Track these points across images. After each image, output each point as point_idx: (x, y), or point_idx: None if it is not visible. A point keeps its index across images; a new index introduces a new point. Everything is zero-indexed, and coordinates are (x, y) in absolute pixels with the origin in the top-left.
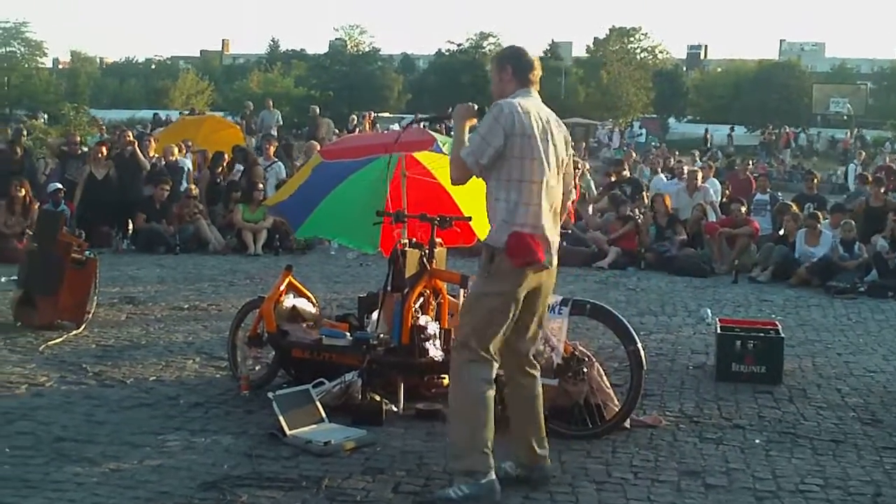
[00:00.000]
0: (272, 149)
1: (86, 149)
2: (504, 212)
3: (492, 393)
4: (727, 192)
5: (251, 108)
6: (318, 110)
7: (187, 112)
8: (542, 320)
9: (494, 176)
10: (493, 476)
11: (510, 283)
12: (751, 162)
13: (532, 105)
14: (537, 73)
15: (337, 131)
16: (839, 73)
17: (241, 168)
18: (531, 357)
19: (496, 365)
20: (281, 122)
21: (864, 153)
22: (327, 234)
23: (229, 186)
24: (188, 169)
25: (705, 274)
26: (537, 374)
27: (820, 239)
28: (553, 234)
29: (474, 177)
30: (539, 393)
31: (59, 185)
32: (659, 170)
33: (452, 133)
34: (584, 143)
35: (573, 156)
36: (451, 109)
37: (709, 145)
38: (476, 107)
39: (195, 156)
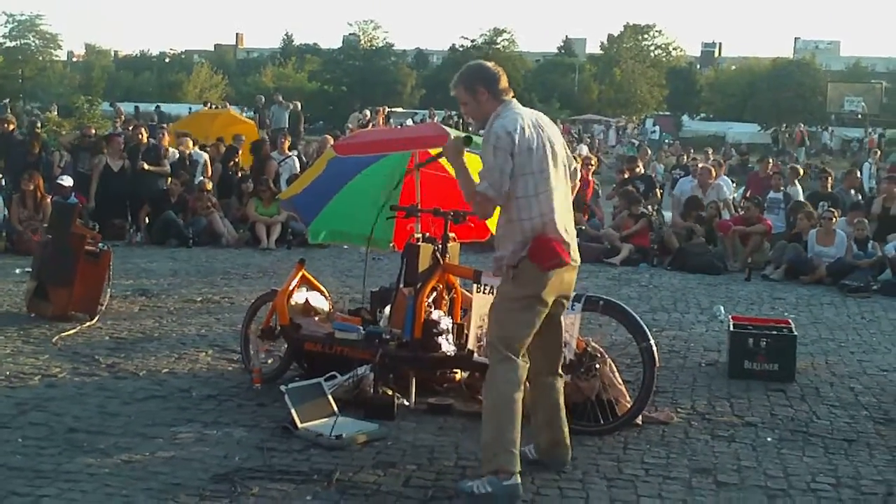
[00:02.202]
0: (286, 143)
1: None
2: (525, 230)
3: (520, 394)
4: (747, 192)
5: (262, 101)
6: (299, 106)
7: (205, 105)
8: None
9: (518, 189)
10: (517, 480)
11: (536, 286)
12: (771, 160)
13: (520, 115)
14: (505, 79)
15: (351, 126)
16: (854, 71)
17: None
18: (560, 361)
19: (525, 366)
20: (290, 108)
21: (878, 151)
22: (339, 238)
23: (240, 179)
24: (204, 162)
25: (718, 271)
26: (562, 379)
27: (834, 239)
28: (572, 233)
29: None
30: (561, 397)
31: (65, 180)
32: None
33: (455, 169)
34: (596, 139)
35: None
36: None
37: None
38: (462, 137)
39: (212, 149)
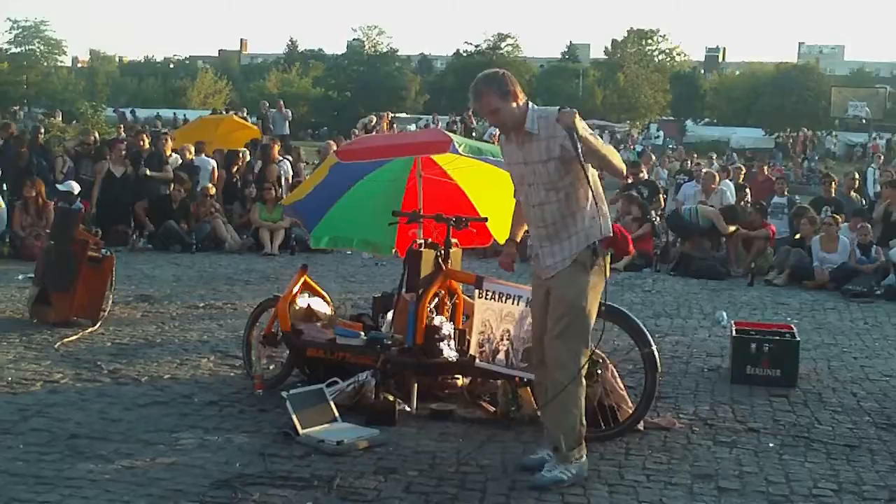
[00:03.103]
0: (276, 147)
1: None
2: (603, 217)
3: None
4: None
5: (267, 107)
6: (267, 105)
7: (210, 112)
8: None
9: (588, 175)
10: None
11: (606, 273)
12: (766, 167)
13: None
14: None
15: (356, 132)
16: (858, 76)
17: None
18: None
19: None
20: (290, 118)
21: (882, 156)
22: (341, 243)
23: (243, 184)
24: (212, 169)
25: (721, 276)
26: None
27: (838, 245)
28: None
29: (492, 177)
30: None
31: (72, 186)
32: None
33: (588, 139)
34: None
35: None
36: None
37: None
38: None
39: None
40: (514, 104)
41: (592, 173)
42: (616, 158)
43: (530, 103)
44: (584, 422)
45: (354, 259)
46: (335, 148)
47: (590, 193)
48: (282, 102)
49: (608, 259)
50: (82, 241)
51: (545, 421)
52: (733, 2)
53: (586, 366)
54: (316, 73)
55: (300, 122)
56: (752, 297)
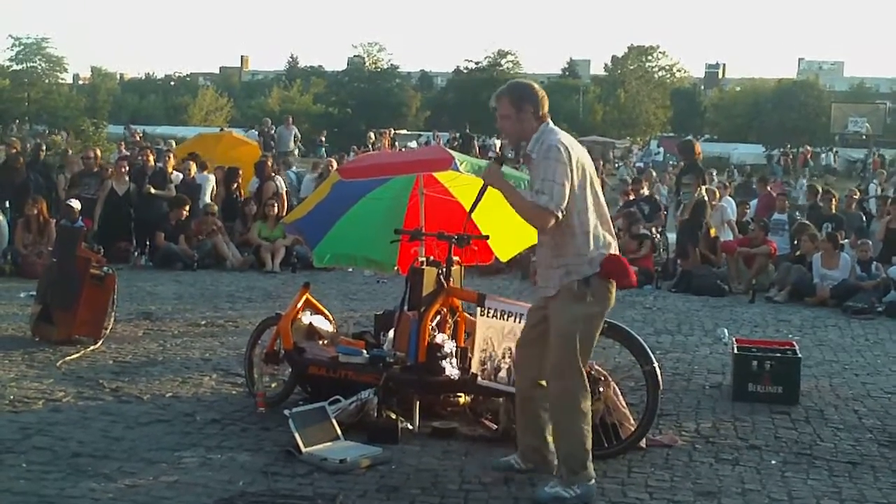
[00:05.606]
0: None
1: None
2: (589, 243)
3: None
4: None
5: (269, 124)
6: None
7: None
8: None
9: (576, 211)
10: (594, 482)
11: (609, 301)
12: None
13: (563, 134)
14: (547, 104)
15: (356, 148)
16: (858, 92)
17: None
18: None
19: None
20: (300, 137)
21: (884, 172)
22: (344, 261)
23: (244, 202)
24: (213, 186)
25: (722, 293)
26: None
27: (839, 262)
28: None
29: (493, 195)
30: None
31: (74, 203)
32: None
33: (502, 191)
34: (601, 162)
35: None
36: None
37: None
38: (496, 160)
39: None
40: (527, 121)
41: (583, 209)
42: (530, 213)
43: (549, 126)
44: (589, 446)
45: (356, 277)
46: (335, 166)
47: (576, 230)
48: (290, 118)
49: (612, 287)
50: (84, 259)
51: (527, 438)
52: (733, 18)
53: (587, 392)
54: (317, 90)
55: (301, 138)
56: (754, 314)
